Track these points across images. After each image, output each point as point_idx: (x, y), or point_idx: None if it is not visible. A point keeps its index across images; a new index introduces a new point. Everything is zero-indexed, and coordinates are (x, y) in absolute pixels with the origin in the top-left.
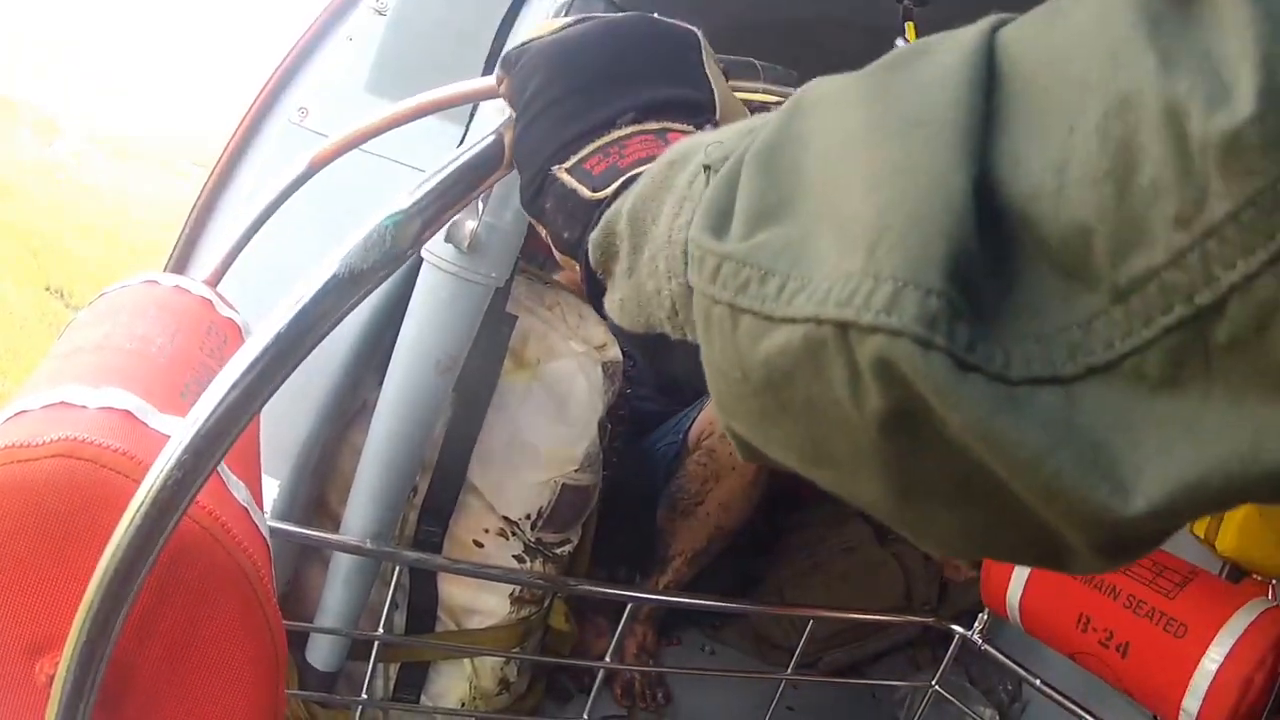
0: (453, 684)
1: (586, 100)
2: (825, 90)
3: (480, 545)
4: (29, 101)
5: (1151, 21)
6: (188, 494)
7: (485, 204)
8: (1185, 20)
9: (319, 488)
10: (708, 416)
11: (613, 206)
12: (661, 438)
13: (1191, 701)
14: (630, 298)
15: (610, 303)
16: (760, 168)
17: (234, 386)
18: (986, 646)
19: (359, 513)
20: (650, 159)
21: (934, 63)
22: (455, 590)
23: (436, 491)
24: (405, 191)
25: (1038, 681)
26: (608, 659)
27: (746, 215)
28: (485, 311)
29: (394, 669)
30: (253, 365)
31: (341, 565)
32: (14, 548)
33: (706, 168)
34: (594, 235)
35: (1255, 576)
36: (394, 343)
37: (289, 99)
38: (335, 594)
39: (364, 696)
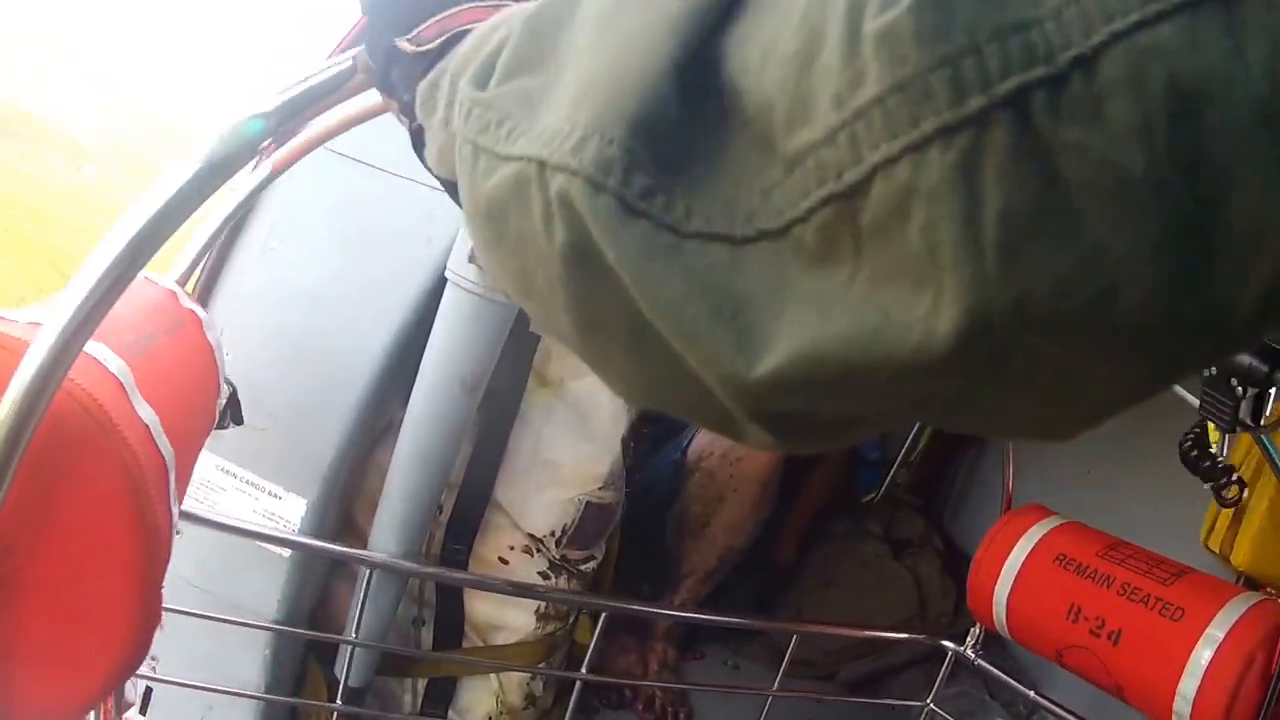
0: (479, 698)
1: None
2: None
3: (505, 562)
4: (56, 124)
5: None
6: (63, 365)
7: None
8: None
9: (346, 506)
10: (704, 439)
11: (439, 64)
12: (666, 455)
13: (1188, 683)
14: (444, 147)
15: (429, 154)
16: (528, 25)
17: (117, 260)
18: (980, 661)
19: (385, 531)
20: (479, 21)
21: None
22: (481, 607)
23: (462, 509)
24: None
25: (1031, 694)
26: (629, 675)
27: (505, 66)
28: (509, 330)
29: (422, 684)
30: (131, 243)
31: (367, 582)
32: None
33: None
34: (420, 86)
35: (1269, 590)
36: (419, 362)
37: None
38: (361, 610)
39: (367, 708)
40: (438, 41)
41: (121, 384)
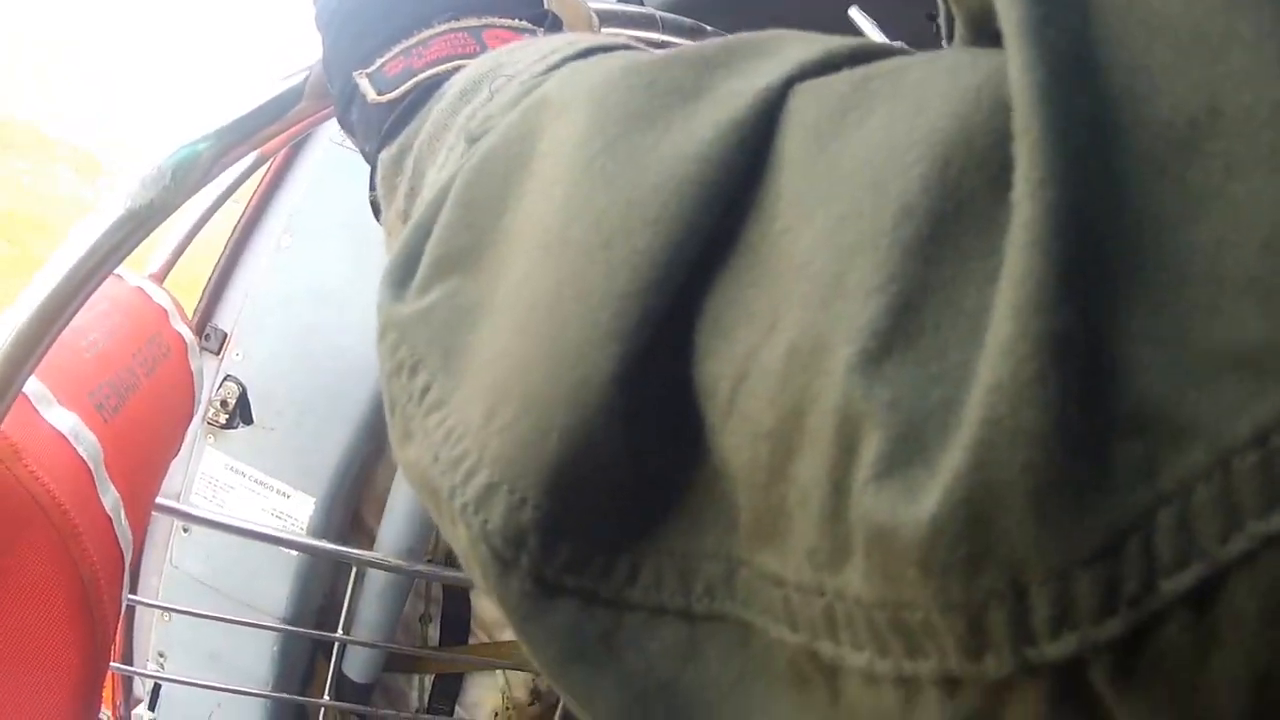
0: (486, 694)
1: (396, 2)
2: (582, 93)
3: None
4: (62, 135)
5: (904, 250)
6: None
7: None
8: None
9: (355, 505)
10: None
11: (406, 129)
12: None
13: None
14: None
15: (387, 243)
16: (466, 191)
17: (26, 322)
18: None
19: (393, 529)
20: (451, 59)
21: (693, 126)
22: (488, 604)
23: None
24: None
25: None
26: None
27: (431, 259)
28: None
29: (429, 680)
30: (41, 308)
31: (375, 580)
32: None
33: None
34: (385, 156)
35: None
36: None
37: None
38: (369, 608)
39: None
40: (403, 89)
41: (89, 469)
